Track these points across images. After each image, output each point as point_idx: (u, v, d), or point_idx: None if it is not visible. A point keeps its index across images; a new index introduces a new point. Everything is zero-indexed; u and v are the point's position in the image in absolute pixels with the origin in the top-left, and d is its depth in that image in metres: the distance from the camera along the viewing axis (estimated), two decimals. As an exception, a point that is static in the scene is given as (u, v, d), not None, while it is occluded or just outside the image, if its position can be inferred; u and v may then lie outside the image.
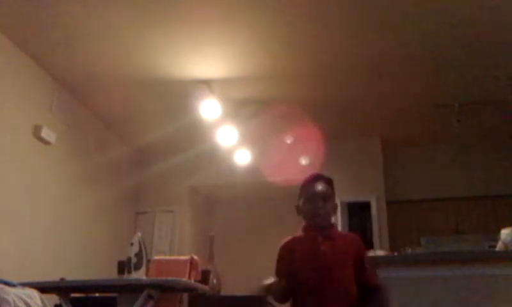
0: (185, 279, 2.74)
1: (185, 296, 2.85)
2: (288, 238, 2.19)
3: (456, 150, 6.26)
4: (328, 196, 2.14)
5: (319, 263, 2.01)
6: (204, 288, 2.77)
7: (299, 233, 2.18)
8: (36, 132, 4.55)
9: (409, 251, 4.73)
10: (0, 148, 4.11)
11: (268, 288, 2.03)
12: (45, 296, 2.03)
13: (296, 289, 2.02)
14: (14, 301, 1.79)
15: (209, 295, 2.93)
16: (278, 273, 2.10)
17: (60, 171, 4.94)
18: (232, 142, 5.56)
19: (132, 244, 2.61)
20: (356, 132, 6.06)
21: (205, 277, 3.03)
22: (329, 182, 2.19)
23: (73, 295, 2.86)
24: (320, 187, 2.16)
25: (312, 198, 2.13)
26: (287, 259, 2.10)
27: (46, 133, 4.63)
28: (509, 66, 4.59)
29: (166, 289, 2.50)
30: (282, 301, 2.11)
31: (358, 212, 5.94)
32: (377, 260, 2.84)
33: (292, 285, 2.02)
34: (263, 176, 6.26)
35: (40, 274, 4.12)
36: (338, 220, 5.69)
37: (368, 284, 2.02)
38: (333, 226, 2.19)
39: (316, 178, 2.20)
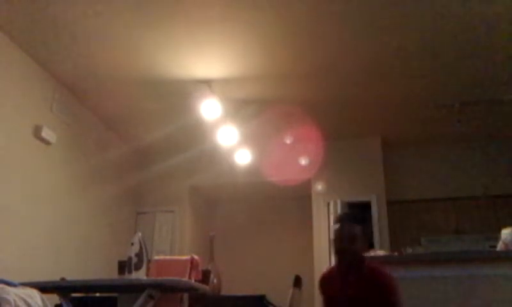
0: (185, 279, 2.74)
1: (186, 296, 2.85)
2: (325, 271, 2.44)
3: (456, 150, 6.26)
4: (354, 237, 2.25)
5: (347, 302, 2.20)
6: (204, 287, 2.77)
7: (335, 265, 2.40)
8: (37, 132, 4.55)
9: (409, 251, 4.73)
10: (0, 148, 4.11)
11: None
12: (45, 296, 2.03)
13: None
14: (15, 301, 1.79)
15: (209, 295, 2.94)
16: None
17: (60, 171, 4.95)
18: (232, 142, 5.56)
19: (132, 244, 2.61)
20: (356, 132, 6.06)
21: (205, 277, 3.04)
22: (357, 220, 2.30)
23: (73, 294, 2.87)
24: (347, 228, 2.27)
25: (339, 238, 2.27)
26: (324, 290, 2.38)
27: (46, 133, 4.63)
28: (509, 66, 4.60)
29: (166, 289, 2.51)
30: None
31: (358, 212, 5.94)
32: (377, 260, 2.84)
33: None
34: (263, 176, 6.26)
35: (41, 274, 4.14)
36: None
37: None
38: (362, 262, 2.28)
39: (346, 217, 2.33)
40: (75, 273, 4.50)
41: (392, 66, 4.62)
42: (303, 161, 6.25)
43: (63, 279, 3.57)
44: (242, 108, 5.37)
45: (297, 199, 6.65)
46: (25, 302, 1.85)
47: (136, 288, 2.44)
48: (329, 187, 6.05)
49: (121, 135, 6.22)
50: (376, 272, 2.23)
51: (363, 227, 2.30)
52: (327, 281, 2.38)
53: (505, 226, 3.31)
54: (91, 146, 5.60)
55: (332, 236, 2.33)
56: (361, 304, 2.17)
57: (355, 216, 2.33)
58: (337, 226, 2.31)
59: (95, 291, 3.15)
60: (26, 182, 4.41)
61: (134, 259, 2.56)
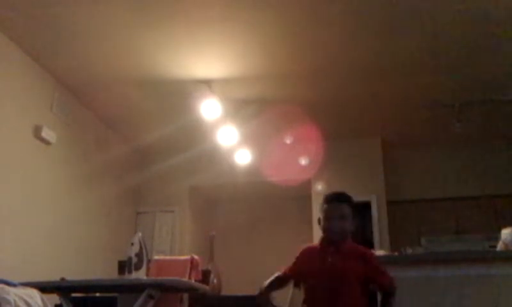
0: (185, 279, 2.75)
1: (186, 296, 2.85)
2: (307, 245, 2.48)
3: (456, 150, 6.26)
4: (346, 216, 2.30)
5: (326, 272, 2.22)
6: (204, 287, 2.77)
7: (318, 243, 2.41)
8: (37, 132, 4.55)
9: (409, 251, 4.73)
10: (0, 148, 4.11)
11: (265, 290, 2.40)
12: (45, 296, 2.04)
13: (306, 290, 2.29)
14: (15, 301, 1.80)
15: (209, 295, 2.94)
16: (290, 270, 2.40)
17: (60, 171, 4.94)
18: (232, 142, 5.56)
19: (132, 244, 2.62)
20: (356, 132, 6.06)
21: (205, 277, 3.04)
22: (348, 201, 2.35)
23: (73, 294, 2.87)
24: (339, 208, 2.31)
25: (331, 217, 2.29)
26: (300, 262, 2.38)
27: (46, 133, 4.63)
28: (509, 66, 4.59)
29: (166, 289, 2.51)
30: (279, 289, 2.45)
31: (358, 212, 5.93)
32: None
33: (302, 285, 2.31)
34: (263, 176, 6.26)
35: (41, 274, 4.13)
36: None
37: (383, 289, 2.26)
38: (345, 240, 2.32)
39: (337, 198, 2.35)
40: (75, 273, 4.49)
41: (391, 66, 4.62)
42: (303, 161, 6.24)
43: (63, 279, 3.57)
44: (242, 108, 5.36)
45: (297, 199, 6.65)
46: (25, 302, 1.85)
47: (136, 288, 2.44)
48: (329, 187, 6.03)
49: (121, 135, 6.22)
50: (356, 246, 2.31)
51: (352, 208, 2.33)
52: (307, 252, 2.38)
53: (505, 226, 3.31)
54: (91, 146, 5.59)
55: (322, 215, 2.32)
56: (340, 273, 2.19)
57: (345, 197, 2.35)
58: (327, 205, 2.32)
59: (95, 291, 3.16)
60: (26, 182, 4.40)
61: (134, 259, 2.57)
